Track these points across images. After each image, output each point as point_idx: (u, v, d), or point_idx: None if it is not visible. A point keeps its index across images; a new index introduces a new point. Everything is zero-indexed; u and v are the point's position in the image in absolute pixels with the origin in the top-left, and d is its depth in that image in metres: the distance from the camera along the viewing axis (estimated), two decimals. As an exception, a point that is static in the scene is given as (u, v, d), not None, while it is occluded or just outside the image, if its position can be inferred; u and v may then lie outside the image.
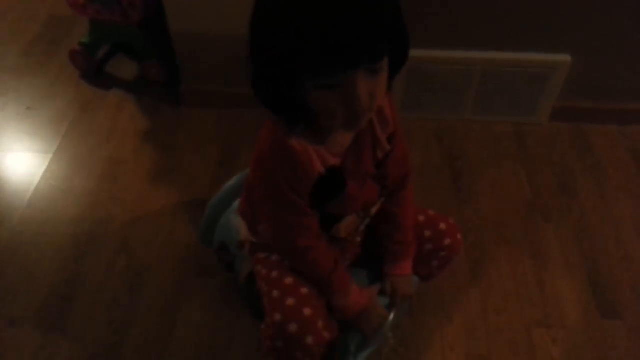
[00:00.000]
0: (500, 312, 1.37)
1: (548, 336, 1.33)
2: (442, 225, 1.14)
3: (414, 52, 0.88)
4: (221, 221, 1.24)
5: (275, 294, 1.02)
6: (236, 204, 1.24)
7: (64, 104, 1.88)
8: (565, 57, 1.66)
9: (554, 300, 1.39)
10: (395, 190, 1.09)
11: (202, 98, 1.85)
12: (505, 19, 1.58)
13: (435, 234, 1.14)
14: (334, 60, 0.73)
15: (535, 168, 1.70)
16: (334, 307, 1.05)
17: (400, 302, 1.13)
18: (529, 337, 1.33)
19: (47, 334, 1.32)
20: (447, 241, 1.14)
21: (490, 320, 1.36)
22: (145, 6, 1.74)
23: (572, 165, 1.71)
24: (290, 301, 0.99)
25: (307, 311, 0.98)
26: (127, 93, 1.92)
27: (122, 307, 1.37)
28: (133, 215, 1.56)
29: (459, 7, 1.56)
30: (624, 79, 1.72)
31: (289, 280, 1.03)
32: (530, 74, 1.70)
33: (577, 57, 1.65)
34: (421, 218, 1.15)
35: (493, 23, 1.59)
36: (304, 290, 1.02)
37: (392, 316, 1.09)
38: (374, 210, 1.10)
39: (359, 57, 0.73)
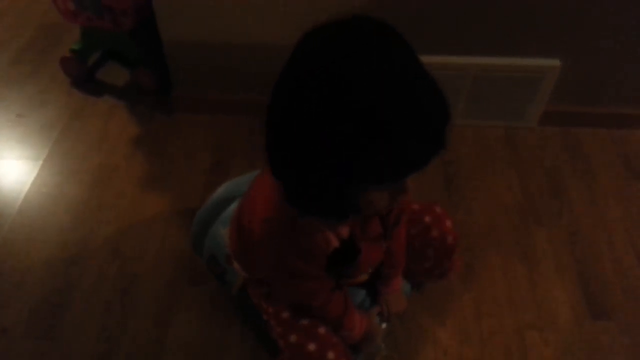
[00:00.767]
0: (492, 316, 1.38)
1: (540, 338, 1.33)
2: (448, 223, 1.15)
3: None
4: (210, 233, 1.24)
5: (293, 339, 1.01)
6: (225, 215, 1.23)
7: (55, 111, 1.87)
8: (554, 62, 1.68)
9: (546, 303, 1.40)
10: (392, 229, 1.07)
11: (194, 104, 1.85)
12: (495, 25, 1.59)
13: (441, 232, 1.14)
14: (420, 168, 0.68)
15: (526, 172, 1.71)
16: (341, 336, 1.06)
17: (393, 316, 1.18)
18: (522, 340, 1.33)
19: (39, 342, 1.31)
20: (450, 239, 1.15)
21: (482, 324, 1.36)
22: (137, 14, 1.74)
23: (563, 169, 1.72)
24: (311, 347, 0.99)
25: (330, 355, 0.99)
26: (119, 100, 1.92)
27: (113, 315, 1.36)
28: (125, 223, 1.55)
29: (450, 13, 1.57)
30: (614, 83, 1.74)
31: (304, 321, 1.02)
32: (520, 79, 1.71)
33: (567, 61, 1.67)
34: (427, 219, 1.14)
35: (484, 29, 1.60)
36: (322, 330, 1.02)
37: (384, 325, 1.13)
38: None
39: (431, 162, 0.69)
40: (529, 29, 1.61)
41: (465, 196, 1.64)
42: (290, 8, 1.55)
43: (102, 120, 1.84)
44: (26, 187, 1.63)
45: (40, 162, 1.71)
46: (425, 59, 0.70)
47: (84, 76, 1.97)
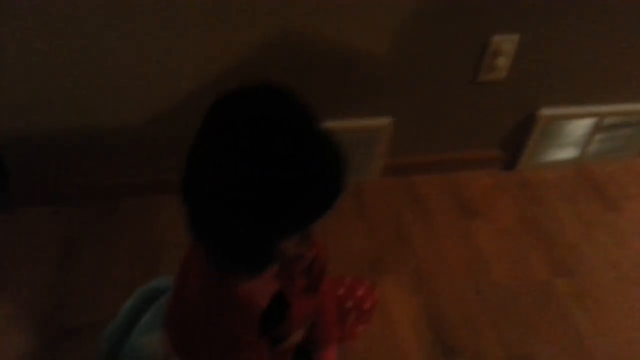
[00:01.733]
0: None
1: (399, 385, 1.42)
2: (360, 292, 1.24)
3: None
4: (127, 347, 1.16)
5: None
6: (141, 324, 1.16)
7: None
8: (387, 120, 1.84)
9: (398, 351, 1.49)
10: (318, 283, 1.11)
11: (35, 196, 1.77)
12: (326, 92, 1.71)
13: (356, 302, 1.23)
14: (324, 214, 0.79)
15: (374, 224, 1.83)
16: None
17: None
18: (383, 390, 1.41)
19: None
20: (367, 304, 1.25)
21: (347, 380, 1.42)
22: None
23: (406, 216, 1.87)
24: None
25: None
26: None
27: None
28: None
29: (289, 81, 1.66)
30: (439, 133, 1.94)
31: None
32: (359, 138, 1.85)
33: (398, 118, 1.83)
34: (341, 291, 1.23)
35: (320, 96, 1.71)
36: None
37: None
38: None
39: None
40: (362, 93, 1.75)
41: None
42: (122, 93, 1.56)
43: None
44: None
45: None
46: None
47: None
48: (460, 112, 1.89)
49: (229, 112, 0.75)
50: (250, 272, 0.88)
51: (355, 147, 1.87)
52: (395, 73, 1.72)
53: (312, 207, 0.77)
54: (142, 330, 1.16)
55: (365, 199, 1.92)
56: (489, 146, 2.04)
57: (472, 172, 2.06)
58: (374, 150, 1.90)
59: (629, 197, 2.05)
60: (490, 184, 2.04)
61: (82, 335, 1.44)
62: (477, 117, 1.92)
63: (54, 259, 1.63)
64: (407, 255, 1.74)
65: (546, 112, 1.93)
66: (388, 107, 1.82)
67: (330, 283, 1.20)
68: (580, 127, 2.02)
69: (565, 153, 2.11)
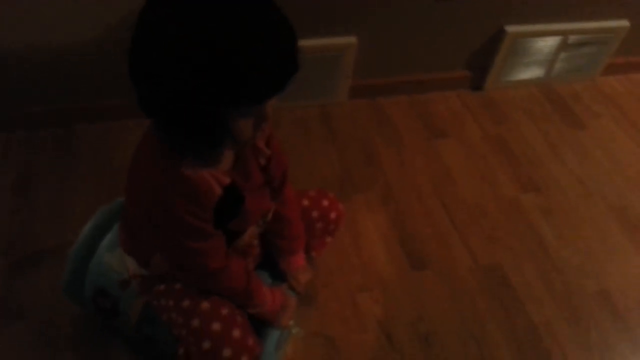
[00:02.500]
0: (327, 286, 1.44)
1: (370, 298, 1.43)
2: (325, 202, 1.24)
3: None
4: (91, 267, 1.13)
5: (196, 322, 0.97)
6: (104, 243, 1.14)
7: None
8: (351, 39, 1.78)
9: (371, 264, 1.50)
10: (279, 188, 1.12)
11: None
12: (289, 9, 1.64)
13: (321, 212, 1.23)
14: (278, 88, 0.77)
15: (343, 145, 1.81)
16: (255, 314, 1.06)
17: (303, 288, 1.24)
18: (355, 303, 1.42)
19: None
20: (333, 214, 1.24)
21: (319, 295, 1.42)
22: None
23: (374, 137, 1.85)
24: (215, 326, 0.97)
25: (236, 332, 0.98)
26: None
27: None
28: None
29: None
30: (406, 54, 1.90)
31: (205, 305, 0.99)
32: (323, 57, 1.79)
33: (362, 37, 1.78)
34: (305, 202, 1.23)
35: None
36: (225, 310, 1.00)
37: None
38: (269, 215, 1.12)
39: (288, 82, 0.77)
40: (327, 11, 1.68)
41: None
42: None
43: None
44: None
45: None
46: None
47: None
48: (426, 31, 1.85)
49: None
50: (208, 148, 0.86)
51: (319, 67, 1.81)
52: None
53: (268, 79, 0.75)
54: (106, 248, 1.14)
55: (333, 121, 1.88)
56: (455, 67, 2.02)
57: (440, 92, 2.04)
58: (340, 70, 1.85)
59: (592, 115, 2.07)
60: (457, 104, 2.02)
61: (46, 260, 1.39)
62: (443, 36, 1.88)
63: (13, 185, 1.56)
64: (375, 175, 1.73)
65: (512, 29, 1.91)
66: (352, 27, 1.76)
67: (294, 194, 1.19)
68: (545, 45, 2.01)
69: (531, 72, 2.10)
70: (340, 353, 1.32)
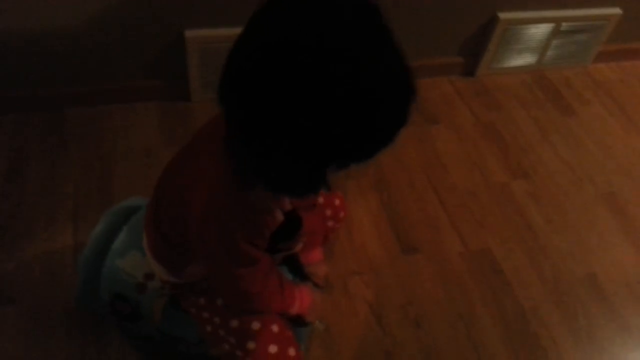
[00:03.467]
0: (318, 271, 1.46)
1: (362, 282, 1.44)
2: (337, 201, 1.23)
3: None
4: (104, 273, 1.08)
5: (252, 345, 0.96)
6: (115, 246, 1.09)
7: None
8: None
9: (362, 248, 1.51)
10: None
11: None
12: None
13: (333, 210, 1.22)
14: (393, 141, 0.67)
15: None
16: (291, 315, 1.05)
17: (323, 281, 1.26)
18: (346, 288, 1.43)
19: None
20: (342, 214, 1.24)
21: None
22: None
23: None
24: (272, 349, 0.96)
25: (291, 351, 0.98)
26: None
27: None
28: None
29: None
30: (398, 39, 1.89)
31: (256, 325, 0.97)
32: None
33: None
34: (320, 199, 1.19)
35: None
36: (275, 328, 0.99)
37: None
38: None
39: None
40: None
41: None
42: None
43: None
44: None
45: None
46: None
47: None
48: (419, 17, 1.84)
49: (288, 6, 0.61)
50: (298, 197, 0.82)
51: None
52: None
53: (391, 140, 0.66)
54: (118, 252, 1.09)
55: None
56: (448, 53, 2.02)
57: (432, 78, 2.04)
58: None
59: (583, 102, 2.09)
60: (449, 90, 2.03)
61: (37, 245, 1.39)
62: (436, 22, 1.88)
63: (3, 170, 1.55)
64: (367, 160, 1.73)
65: (504, 16, 1.91)
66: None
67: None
68: (538, 32, 2.02)
69: (523, 59, 2.11)
70: (331, 336, 1.33)
